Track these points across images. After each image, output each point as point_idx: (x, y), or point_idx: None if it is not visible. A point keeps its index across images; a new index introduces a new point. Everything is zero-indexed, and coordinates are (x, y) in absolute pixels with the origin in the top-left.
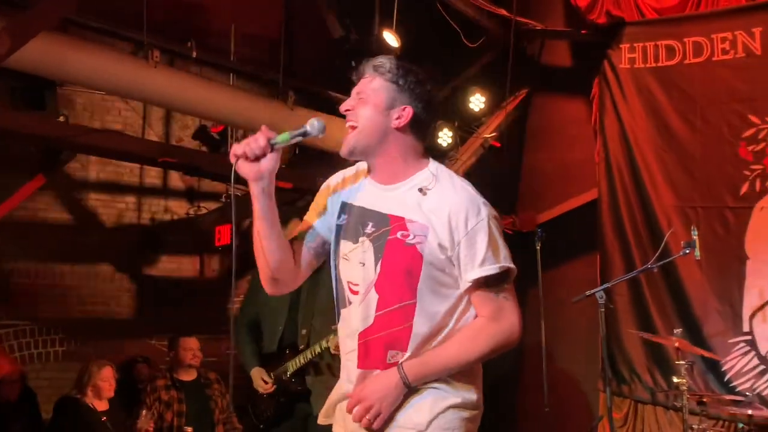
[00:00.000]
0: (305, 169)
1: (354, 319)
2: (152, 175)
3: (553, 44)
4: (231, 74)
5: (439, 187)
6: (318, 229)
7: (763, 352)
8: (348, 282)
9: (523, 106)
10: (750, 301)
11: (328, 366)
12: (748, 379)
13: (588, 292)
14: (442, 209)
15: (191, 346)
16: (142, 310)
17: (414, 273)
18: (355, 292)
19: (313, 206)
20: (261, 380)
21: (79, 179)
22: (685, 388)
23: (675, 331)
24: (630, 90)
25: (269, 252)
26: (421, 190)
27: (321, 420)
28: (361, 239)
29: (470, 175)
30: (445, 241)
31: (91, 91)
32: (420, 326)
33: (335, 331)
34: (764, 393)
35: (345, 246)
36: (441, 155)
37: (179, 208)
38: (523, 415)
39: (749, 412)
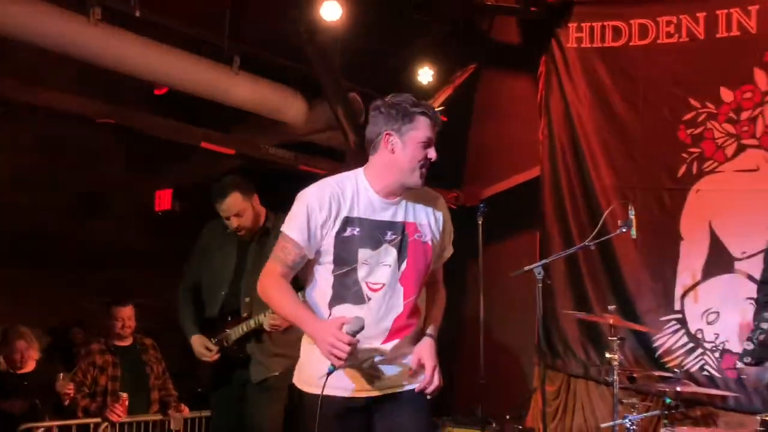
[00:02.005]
0: (246, 135)
1: (378, 309)
2: (91, 137)
3: (503, 20)
4: (175, 35)
5: (412, 191)
6: (306, 253)
7: (692, 331)
8: (366, 282)
9: (471, 82)
10: (682, 280)
11: (269, 335)
12: (678, 356)
13: (526, 267)
14: (427, 208)
15: (121, 315)
16: (83, 274)
17: (428, 263)
18: (376, 290)
19: (303, 228)
20: (204, 348)
21: (15, 138)
22: (616, 363)
23: (609, 307)
24: (576, 69)
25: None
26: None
27: (308, 389)
28: (383, 246)
29: None
30: (436, 233)
31: (28, 46)
32: (420, 302)
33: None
34: (692, 370)
35: (363, 253)
36: None
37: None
38: (460, 385)
39: (677, 388)
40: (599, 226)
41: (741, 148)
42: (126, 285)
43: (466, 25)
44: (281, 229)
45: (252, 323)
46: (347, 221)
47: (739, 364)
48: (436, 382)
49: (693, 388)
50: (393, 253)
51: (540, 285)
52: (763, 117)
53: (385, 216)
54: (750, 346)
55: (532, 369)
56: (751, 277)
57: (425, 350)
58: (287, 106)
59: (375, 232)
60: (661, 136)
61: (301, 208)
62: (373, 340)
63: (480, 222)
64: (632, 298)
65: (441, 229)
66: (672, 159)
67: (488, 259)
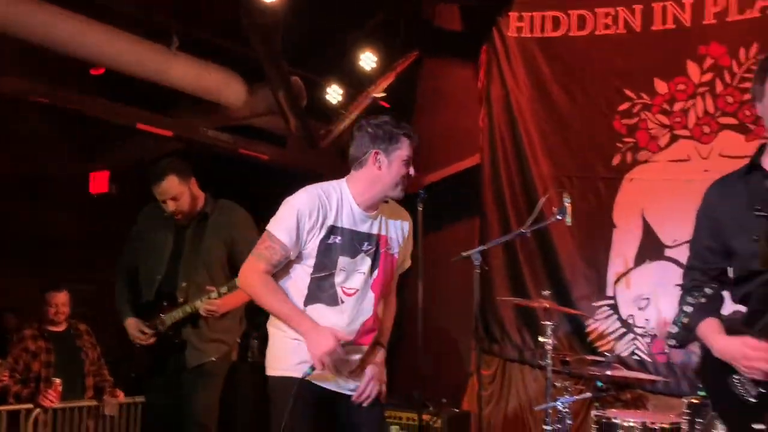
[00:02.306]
0: (185, 118)
1: (351, 312)
2: (25, 118)
3: (445, 8)
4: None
5: (386, 206)
6: (291, 254)
7: (624, 316)
8: (341, 287)
9: (414, 68)
10: (615, 267)
11: (205, 320)
12: (609, 341)
13: (464, 254)
14: (396, 222)
15: (55, 302)
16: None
17: (393, 273)
18: (350, 294)
19: (291, 232)
20: (139, 332)
21: None
22: (549, 347)
23: (544, 293)
24: (516, 58)
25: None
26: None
27: (287, 373)
28: (360, 255)
29: None
30: (401, 246)
31: None
32: (379, 311)
33: (213, 292)
34: (623, 354)
35: (343, 261)
36: (329, 113)
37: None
38: (399, 370)
39: (608, 372)
40: (535, 213)
41: (674, 139)
42: (60, 270)
43: (410, 12)
44: (268, 228)
45: (188, 308)
46: (332, 230)
47: (667, 349)
48: (367, 392)
49: (623, 372)
50: (368, 262)
51: (478, 271)
52: (695, 109)
53: (364, 228)
54: (674, 330)
55: (469, 354)
56: (680, 264)
57: (374, 360)
58: (227, 88)
59: (354, 242)
60: (598, 126)
61: (291, 212)
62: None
63: (420, 208)
64: (567, 284)
65: (404, 243)
66: (607, 148)
67: (428, 246)
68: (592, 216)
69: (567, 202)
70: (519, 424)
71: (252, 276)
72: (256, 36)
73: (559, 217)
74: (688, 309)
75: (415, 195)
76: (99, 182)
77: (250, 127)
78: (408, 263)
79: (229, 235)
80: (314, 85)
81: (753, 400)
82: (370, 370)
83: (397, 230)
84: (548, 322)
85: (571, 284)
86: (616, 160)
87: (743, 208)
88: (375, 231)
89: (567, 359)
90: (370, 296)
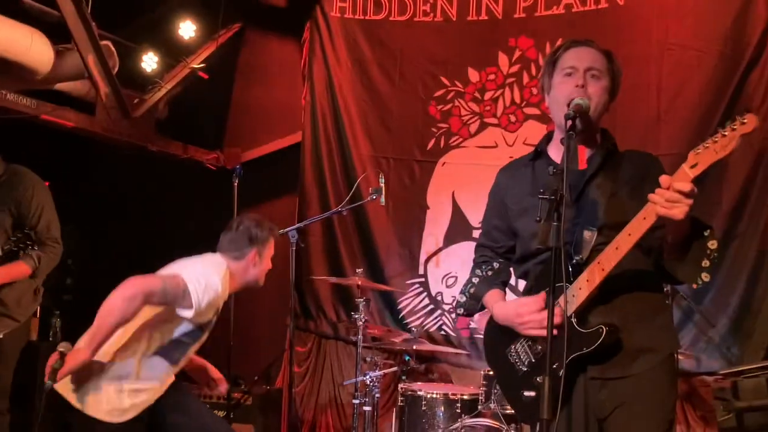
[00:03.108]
0: None
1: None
2: None
3: None
4: None
5: None
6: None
7: (433, 293)
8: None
9: (236, 41)
10: (426, 246)
11: None
12: (419, 317)
13: (280, 231)
14: None
15: None
16: None
17: None
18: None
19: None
20: None
21: None
22: (361, 323)
23: (357, 270)
24: (339, 39)
25: None
26: None
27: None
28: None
29: (176, 104)
30: None
31: None
32: None
33: None
34: (431, 330)
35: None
36: (143, 81)
37: None
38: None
39: (414, 346)
40: (351, 192)
41: (483, 126)
42: None
43: None
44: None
45: None
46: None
47: (454, 316)
48: None
49: (430, 347)
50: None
51: (293, 248)
52: (504, 98)
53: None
54: (462, 299)
55: (284, 331)
56: None
57: None
58: (31, 49)
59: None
60: (414, 110)
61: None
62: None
63: (235, 184)
64: (381, 262)
65: None
66: (423, 132)
67: None
68: (407, 197)
69: (382, 183)
70: (331, 399)
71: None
72: None
73: (373, 197)
74: (476, 280)
75: (232, 171)
76: None
77: (58, 93)
78: None
79: (15, 200)
80: (129, 51)
81: (525, 369)
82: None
83: None
84: (360, 299)
85: (384, 262)
86: (430, 144)
87: (527, 191)
88: None
89: (376, 335)
90: None
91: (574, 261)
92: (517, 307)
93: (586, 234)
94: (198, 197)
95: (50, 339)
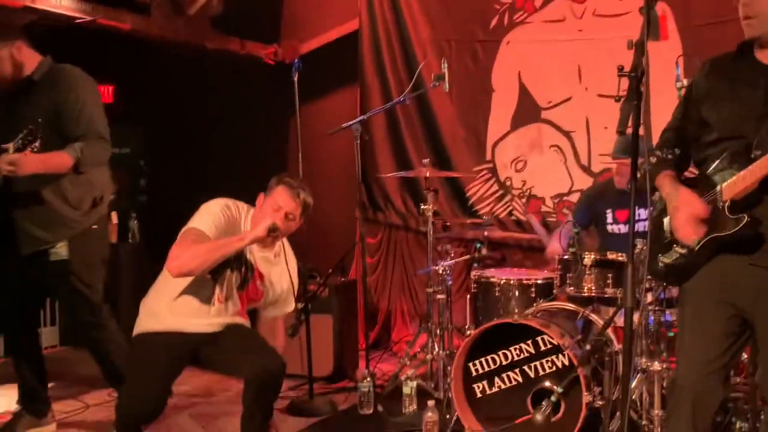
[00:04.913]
0: None
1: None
2: None
3: None
4: None
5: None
6: None
7: (501, 179)
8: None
9: None
10: (493, 131)
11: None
12: (488, 204)
13: (344, 125)
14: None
15: None
16: None
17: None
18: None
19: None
20: None
21: None
22: (431, 214)
23: (424, 161)
24: None
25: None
26: None
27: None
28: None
29: (230, 1)
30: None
31: None
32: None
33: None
34: (501, 216)
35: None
36: None
37: None
38: None
39: (485, 233)
40: (413, 80)
41: None
42: None
43: None
44: (190, 226)
45: None
46: None
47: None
48: None
49: (501, 233)
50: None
51: (358, 141)
52: None
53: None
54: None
55: (355, 224)
56: (555, 126)
57: None
58: None
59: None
60: None
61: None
62: None
63: (295, 79)
64: (448, 150)
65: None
66: (485, 10)
67: (306, 118)
68: (470, 81)
69: (444, 69)
70: (404, 288)
71: (180, 253)
72: None
73: (436, 84)
74: (653, 159)
75: (290, 65)
76: None
77: None
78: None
79: (53, 100)
80: None
81: (669, 238)
82: None
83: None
84: (428, 190)
85: (451, 150)
86: (493, 23)
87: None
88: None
89: (447, 224)
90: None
91: (752, 156)
92: (690, 198)
93: None
94: (257, 94)
95: (129, 241)
